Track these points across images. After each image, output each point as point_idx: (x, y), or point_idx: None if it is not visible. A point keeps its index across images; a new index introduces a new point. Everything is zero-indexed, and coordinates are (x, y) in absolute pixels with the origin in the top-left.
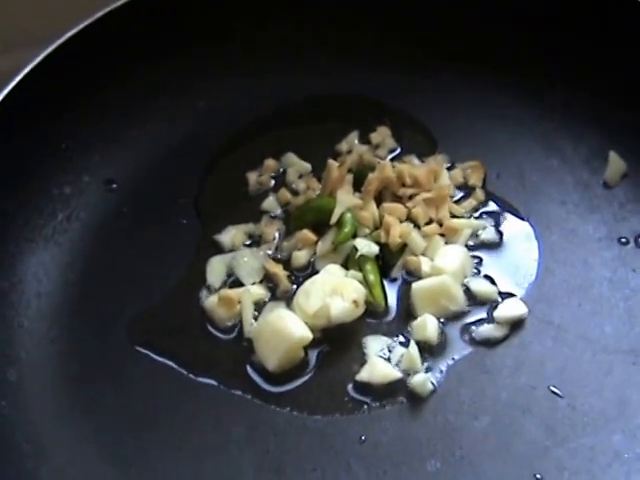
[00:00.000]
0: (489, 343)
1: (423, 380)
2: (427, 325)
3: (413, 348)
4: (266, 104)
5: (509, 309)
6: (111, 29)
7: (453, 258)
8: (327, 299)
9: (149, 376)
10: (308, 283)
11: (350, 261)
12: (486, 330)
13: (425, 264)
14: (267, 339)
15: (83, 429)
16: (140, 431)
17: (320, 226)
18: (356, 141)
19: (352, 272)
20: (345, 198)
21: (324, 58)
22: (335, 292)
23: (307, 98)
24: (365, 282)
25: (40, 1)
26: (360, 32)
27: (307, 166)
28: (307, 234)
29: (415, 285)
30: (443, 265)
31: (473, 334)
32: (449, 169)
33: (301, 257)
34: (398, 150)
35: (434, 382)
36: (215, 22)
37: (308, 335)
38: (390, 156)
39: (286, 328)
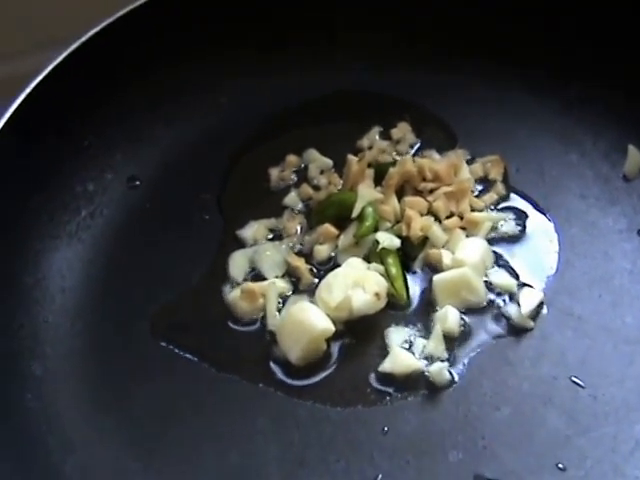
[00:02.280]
0: (510, 334)
1: (440, 369)
2: (448, 316)
3: (437, 333)
4: (288, 101)
5: (528, 299)
6: (133, 28)
7: (474, 251)
8: (349, 292)
9: (172, 370)
10: (330, 276)
11: (372, 254)
12: (507, 321)
13: (446, 257)
14: (290, 332)
15: (108, 422)
16: (164, 424)
17: (341, 220)
18: (377, 137)
19: (374, 265)
20: (366, 192)
21: (345, 56)
22: (357, 285)
23: (328, 95)
24: (387, 275)
25: (62, 2)
26: (380, 31)
27: (328, 162)
28: (329, 228)
29: (436, 277)
30: (464, 258)
31: (494, 325)
32: (469, 163)
33: (323, 251)
34: (418, 145)
35: (453, 372)
36: (237, 21)
37: (330, 327)
38: (411, 151)
39: (309, 320)
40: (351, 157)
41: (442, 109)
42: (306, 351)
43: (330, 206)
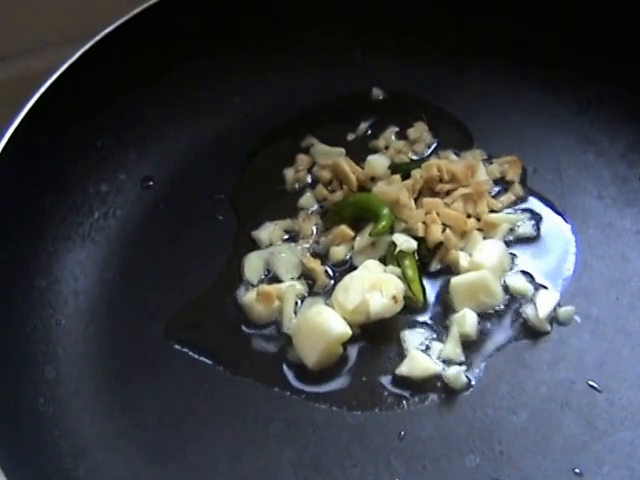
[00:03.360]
0: (527, 337)
1: (457, 373)
2: (466, 320)
3: (454, 336)
4: (303, 101)
5: (545, 302)
6: (146, 27)
7: (491, 253)
8: (366, 295)
9: (186, 373)
10: (347, 279)
11: (388, 256)
12: (524, 324)
13: (463, 259)
14: (306, 336)
15: (121, 426)
16: (178, 428)
17: (357, 221)
18: (393, 137)
19: (391, 267)
20: (384, 192)
21: (360, 55)
22: (374, 288)
23: (344, 95)
24: (404, 277)
25: (75, 1)
26: (396, 30)
27: (338, 150)
28: (345, 230)
29: (454, 280)
30: (481, 260)
31: (511, 329)
32: (486, 164)
33: (339, 253)
34: (435, 145)
35: (470, 376)
36: (251, 20)
37: (347, 331)
38: (428, 151)
39: (325, 325)
40: (371, 158)
41: (459, 109)
42: (322, 356)
43: (346, 207)
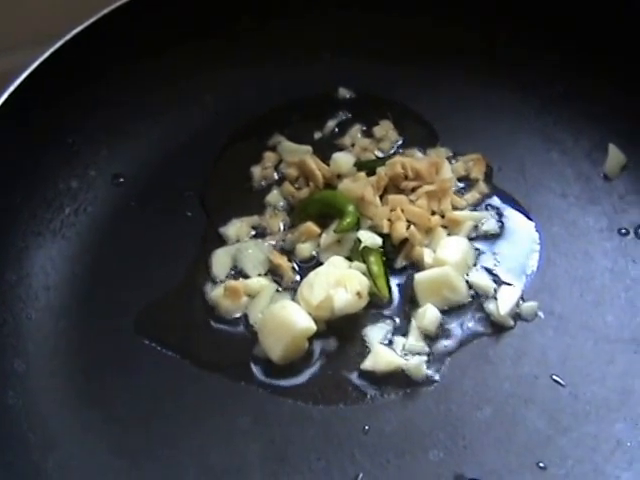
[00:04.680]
0: (491, 333)
1: (418, 363)
2: (426, 315)
3: (414, 330)
4: (271, 99)
5: (507, 298)
6: (117, 24)
7: (455, 250)
8: (331, 291)
9: (155, 368)
10: (312, 275)
11: (354, 253)
12: (488, 320)
13: (428, 256)
14: (271, 330)
15: (90, 420)
16: (146, 422)
17: (324, 218)
18: (359, 135)
19: (356, 264)
20: (349, 189)
21: (327, 53)
22: (339, 284)
23: (311, 94)
24: (369, 273)
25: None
26: (362, 28)
27: (304, 148)
28: (311, 226)
29: (417, 276)
30: (445, 257)
31: (475, 324)
32: (451, 162)
33: (305, 249)
34: (400, 143)
35: (434, 372)
36: (220, 17)
37: (312, 326)
38: (393, 149)
39: (290, 319)
40: (336, 155)
41: (424, 107)
42: (288, 350)
43: (312, 204)
